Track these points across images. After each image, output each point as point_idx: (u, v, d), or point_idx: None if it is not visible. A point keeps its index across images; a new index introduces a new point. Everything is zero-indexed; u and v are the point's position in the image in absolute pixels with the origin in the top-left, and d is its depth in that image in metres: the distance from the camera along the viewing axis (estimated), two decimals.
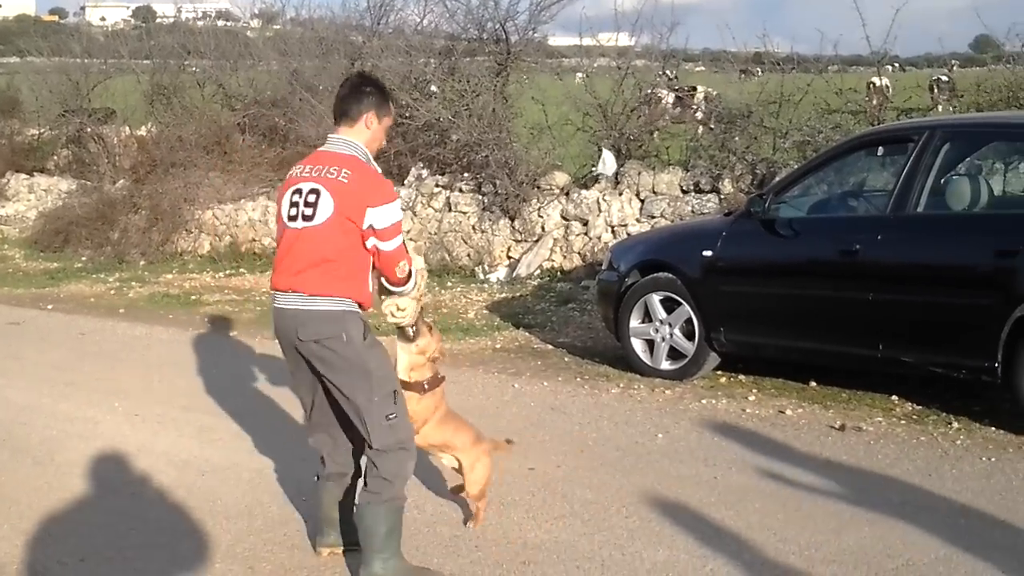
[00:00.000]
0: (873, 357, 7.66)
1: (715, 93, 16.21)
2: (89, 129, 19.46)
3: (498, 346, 10.57)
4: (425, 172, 15.49)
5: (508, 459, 6.45)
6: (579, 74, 16.48)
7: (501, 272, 14.22)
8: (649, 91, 15.18)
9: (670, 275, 8.89)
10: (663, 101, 15.76)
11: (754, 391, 8.39)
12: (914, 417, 7.51)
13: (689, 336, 8.77)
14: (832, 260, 7.94)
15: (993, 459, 6.59)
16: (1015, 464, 6.48)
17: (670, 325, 8.86)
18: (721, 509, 5.92)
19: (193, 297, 13.79)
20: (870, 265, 7.64)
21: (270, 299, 5.10)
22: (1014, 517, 5.61)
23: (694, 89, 17.15)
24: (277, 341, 5.13)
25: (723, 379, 8.79)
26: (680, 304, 8.79)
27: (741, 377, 8.80)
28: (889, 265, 7.62)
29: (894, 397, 7.86)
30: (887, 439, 7.09)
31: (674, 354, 8.91)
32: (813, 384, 8.37)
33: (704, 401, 8.18)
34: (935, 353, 7.35)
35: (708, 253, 8.62)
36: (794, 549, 5.34)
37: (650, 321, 9.00)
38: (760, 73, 16.31)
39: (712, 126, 14.74)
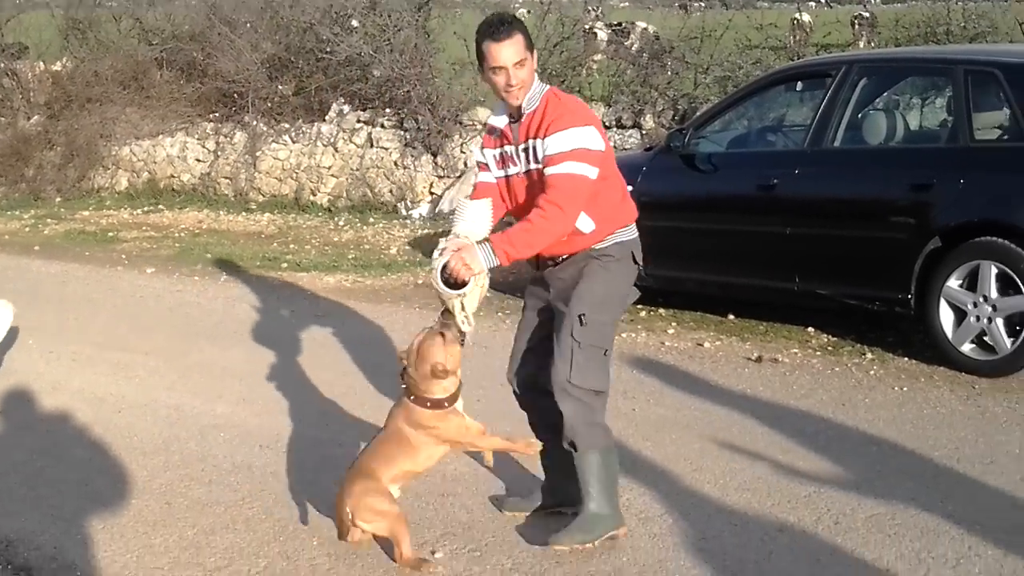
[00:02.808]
0: (790, 290, 7.75)
1: (652, 30, 16.14)
2: (2, 64, 18.96)
3: (420, 282, 10.52)
4: (347, 108, 15.32)
5: None
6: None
7: (424, 208, 14.15)
8: (587, 27, 15.07)
9: None
10: (597, 37, 15.69)
11: (673, 324, 8.46)
12: (829, 349, 7.62)
13: None
14: (750, 194, 8.00)
15: (905, 389, 6.70)
16: (926, 393, 6.60)
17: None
18: (639, 440, 5.97)
19: (110, 234, 13.58)
20: (787, 199, 7.71)
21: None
22: (923, 445, 5.72)
23: (632, 25, 17.06)
24: None
25: (643, 313, 8.84)
26: None
27: (661, 311, 8.85)
28: (806, 199, 7.70)
29: (810, 329, 7.96)
30: (802, 370, 7.19)
31: None
32: (731, 317, 8.45)
33: (624, 335, 8.22)
34: (850, 286, 7.44)
35: (629, 188, 8.59)
36: (709, 478, 5.41)
37: None
38: (702, 9, 16.28)
39: (639, 63, 14.70)
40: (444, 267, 4.26)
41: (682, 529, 4.81)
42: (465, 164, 14.07)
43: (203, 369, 7.61)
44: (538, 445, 4.60)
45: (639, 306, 8.89)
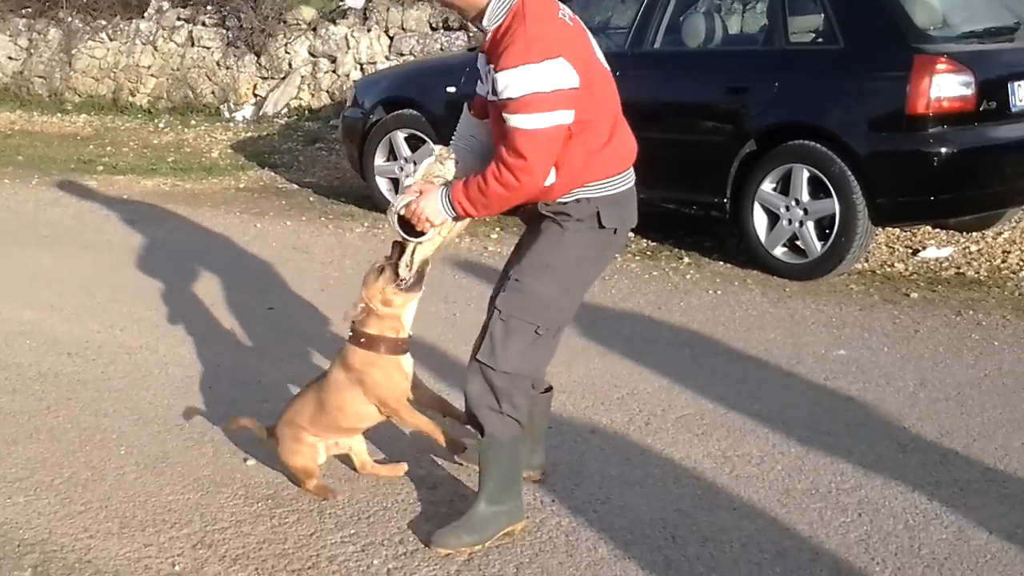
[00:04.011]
0: None
1: None
2: None
3: (242, 186, 10.33)
4: (166, 4, 14.80)
5: (248, 301, 6.36)
6: None
7: (247, 110, 13.84)
8: None
9: (414, 112, 8.78)
10: None
11: (497, 230, 8.46)
12: (648, 253, 7.72)
13: None
14: None
15: (719, 292, 6.84)
16: (739, 296, 6.75)
17: (415, 163, 8.80)
18: (459, 344, 5.95)
19: None
20: None
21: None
22: (735, 346, 5.85)
23: None
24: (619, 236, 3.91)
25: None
26: (425, 142, 8.70)
27: (486, 217, 8.83)
28: (626, 102, 7.65)
29: (629, 234, 8.03)
30: (621, 274, 7.27)
31: None
32: None
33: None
34: (669, 190, 7.51)
35: (452, 89, 8.52)
36: None
37: (395, 159, 8.91)
38: None
39: None
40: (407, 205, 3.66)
41: None
42: (290, 65, 13.76)
43: (11, 274, 7.33)
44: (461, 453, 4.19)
45: None
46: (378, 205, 9.01)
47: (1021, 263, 7.24)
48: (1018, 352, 5.73)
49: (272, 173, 10.85)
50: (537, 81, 3.37)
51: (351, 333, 4.01)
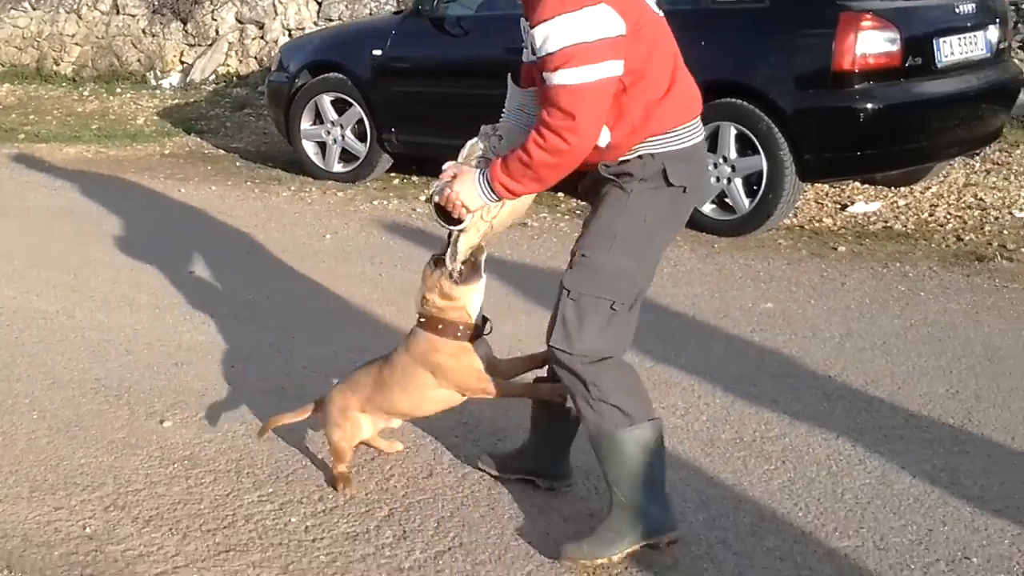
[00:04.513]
0: None
1: None
2: None
3: (167, 152, 10.16)
4: None
5: (169, 265, 6.23)
6: None
7: (174, 78, 13.62)
8: None
9: (340, 76, 8.66)
10: None
11: (425, 192, 8.36)
12: (577, 212, 7.65)
13: (361, 138, 8.64)
14: (500, 58, 7.83)
15: None
16: (667, 252, 6.43)
17: (341, 127, 8.69)
18: (384, 305, 5.90)
19: None
20: None
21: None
22: (663, 301, 5.79)
23: None
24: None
25: (396, 181, 8.74)
26: (351, 105, 8.60)
27: (414, 178, 8.77)
28: None
29: (560, 194, 7.99)
30: (550, 233, 7.22)
31: (346, 156, 8.77)
32: None
33: (375, 202, 8.11)
34: None
35: (378, 52, 8.42)
36: None
37: (321, 123, 8.79)
38: None
39: None
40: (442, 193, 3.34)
41: None
42: (216, 32, 13.54)
43: None
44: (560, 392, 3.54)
45: (392, 174, 8.79)
46: (305, 169, 8.90)
47: (948, 216, 7.26)
48: (943, 302, 5.74)
49: (198, 139, 10.68)
50: (578, 31, 3.00)
51: (421, 319, 3.68)
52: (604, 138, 3.15)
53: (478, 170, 3.26)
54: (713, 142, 6.94)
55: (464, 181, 3.25)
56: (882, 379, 4.72)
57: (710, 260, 6.56)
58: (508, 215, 3.42)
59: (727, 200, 7.00)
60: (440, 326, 3.60)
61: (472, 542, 3.53)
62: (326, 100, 8.71)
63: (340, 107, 8.67)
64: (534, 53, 3.13)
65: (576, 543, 3.38)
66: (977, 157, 8.42)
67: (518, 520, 3.65)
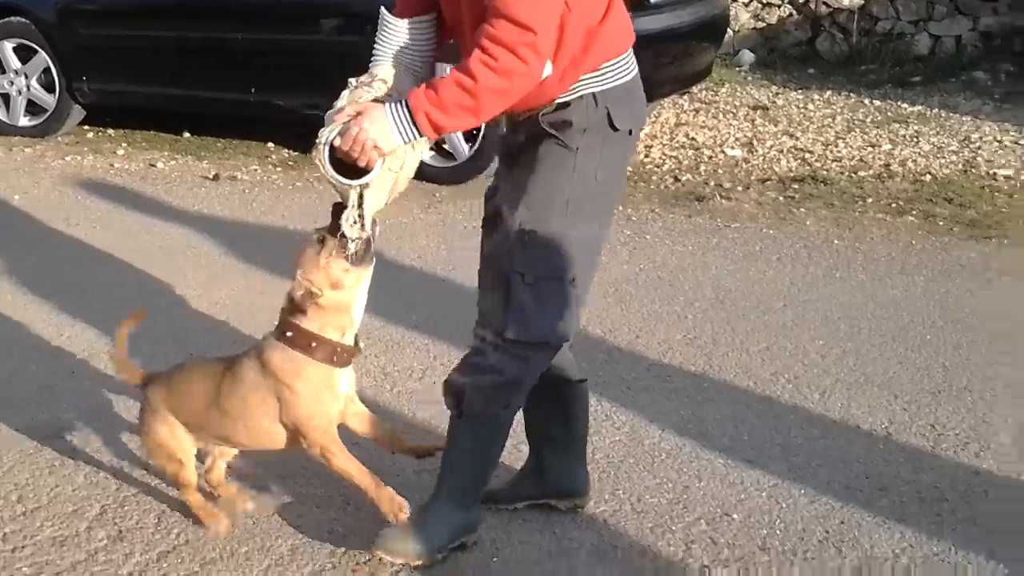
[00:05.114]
0: (246, 102, 7.31)
1: None
2: None
3: None
4: None
5: None
6: None
7: None
8: None
9: (23, 19, 7.93)
10: None
11: (124, 145, 7.85)
12: (290, 164, 7.31)
13: (49, 88, 7.98)
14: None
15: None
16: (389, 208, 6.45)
17: (26, 76, 7.99)
18: (92, 265, 5.43)
19: None
20: (238, 4, 7.20)
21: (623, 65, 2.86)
22: (388, 255, 5.54)
23: None
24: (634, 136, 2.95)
25: (90, 134, 8.15)
26: (37, 52, 7.91)
27: (110, 132, 8.20)
28: (257, 3, 7.21)
29: (270, 144, 7.62)
30: (262, 187, 6.85)
31: (33, 108, 8.08)
32: (187, 135, 7.95)
33: (68, 158, 7.52)
34: (308, 95, 7.06)
35: None
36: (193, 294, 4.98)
37: (3, 73, 8.05)
38: None
39: None
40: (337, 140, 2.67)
41: None
42: None
43: None
44: (406, 511, 2.88)
45: (85, 127, 8.22)
46: None
47: (663, 157, 7.29)
48: (669, 244, 5.73)
49: None
50: None
51: (278, 322, 2.95)
52: (545, 70, 2.68)
53: (390, 103, 2.66)
54: None
55: (374, 116, 2.64)
56: (620, 328, 4.64)
57: (433, 210, 6.36)
58: (411, 169, 2.80)
59: (446, 147, 6.78)
60: (314, 344, 2.87)
61: (199, 539, 3.16)
62: (8, 47, 7.97)
63: (24, 55, 7.96)
64: None
65: (391, 531, 2.96)
66: (686, 96, 8.51)
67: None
